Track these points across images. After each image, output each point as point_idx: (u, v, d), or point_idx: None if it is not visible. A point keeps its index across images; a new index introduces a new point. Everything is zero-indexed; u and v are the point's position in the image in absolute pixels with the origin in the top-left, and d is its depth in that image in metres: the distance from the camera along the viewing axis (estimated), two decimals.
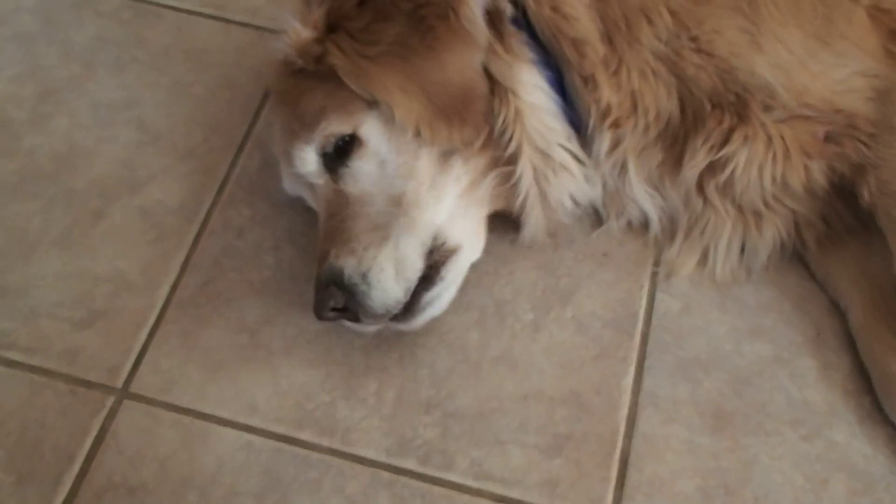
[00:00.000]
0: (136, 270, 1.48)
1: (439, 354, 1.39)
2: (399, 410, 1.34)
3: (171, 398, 1.36)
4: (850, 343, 1.37)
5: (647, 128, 1.32)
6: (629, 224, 1.46)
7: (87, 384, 1.38)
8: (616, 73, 1.29)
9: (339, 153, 1.27)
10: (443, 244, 1.29)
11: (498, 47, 1.28)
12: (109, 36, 1.77)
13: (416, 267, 1.27)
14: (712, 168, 1.32)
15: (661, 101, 1.30)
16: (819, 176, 1.30)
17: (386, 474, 1.29)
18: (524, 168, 1.31)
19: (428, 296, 1.29)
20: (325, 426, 1.33)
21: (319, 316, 1.26)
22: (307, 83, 1.29)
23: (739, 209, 1.36)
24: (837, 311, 1.40)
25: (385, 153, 1.27)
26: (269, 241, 1.51)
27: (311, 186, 1.33)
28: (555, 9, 1.29)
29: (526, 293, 1.44)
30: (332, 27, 1.28)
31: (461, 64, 1.25)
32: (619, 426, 1.32)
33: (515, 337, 1.40)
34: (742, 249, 1.40)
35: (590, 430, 1.31)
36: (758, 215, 1.37)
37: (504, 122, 1.29)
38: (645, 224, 1.45)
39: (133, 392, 1.37)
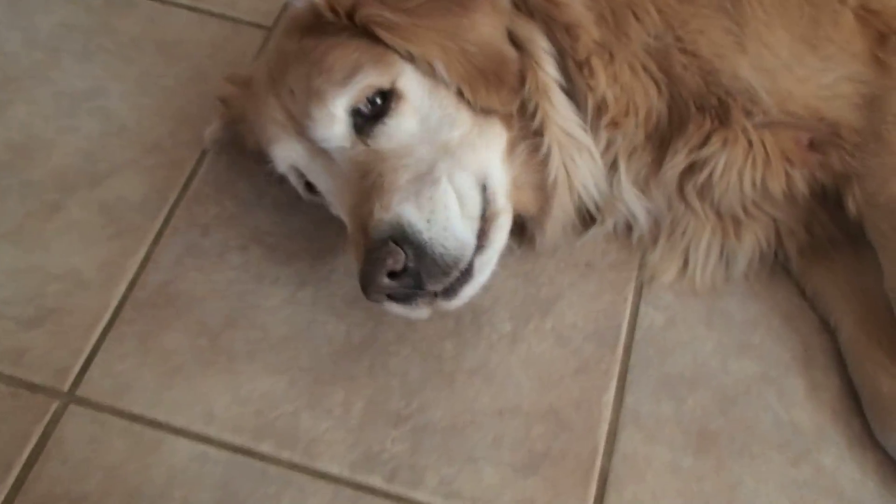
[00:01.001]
0: (92, 267, 1.41)
1: (412, 364, 1.33)
2: (366, 422, 1.28)
3: (123, 404, 1.29)
4: (840, 362, 1.33)
5: (636, 128, 1.29)
6: (614, 229, 1.42)
7: (32, 387, 1.30)
8: (611, 62, 1.25)
9: (373, 111, 1.19)
10: (491, 194, 1.21)
11: (519, 14, 1.25)
12: (77, 23, 1.71)
13: (476, 203, 1.18)
14: (691, 169, 1.29)
15: (652, 99, 1.27)
16: (801, 183, 1.28)
17: (349, 491, 1.22)
18: (552, 141, 1.25)
19: (480, 260, 1.19)
20: (286, 437, 1.27)
21: (372, 285, 1.11)
22: (334, 39, 1.20)
23: (718, 214, 1.34)
24: (827, 328, 1.36)
25: (427, 107, 1.20)
26: (235, 240, 1.45)
27: (326, 153, 1.22)
28: None
29: (505, 302, 1.38)
30: None
31: (491, 25, 1.22)
32: (598, 444, 1.26)
33: (492, 348, 1.35)
34: (721, 255, 1.37)
35: (568, 447, 1.26)
36: (737, 221, 1.34)
37: (529, 92, 1.24)
38: (629, 228, 1.41)
39: (81, 396, 1.29)
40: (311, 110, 1.19)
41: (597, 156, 1.29)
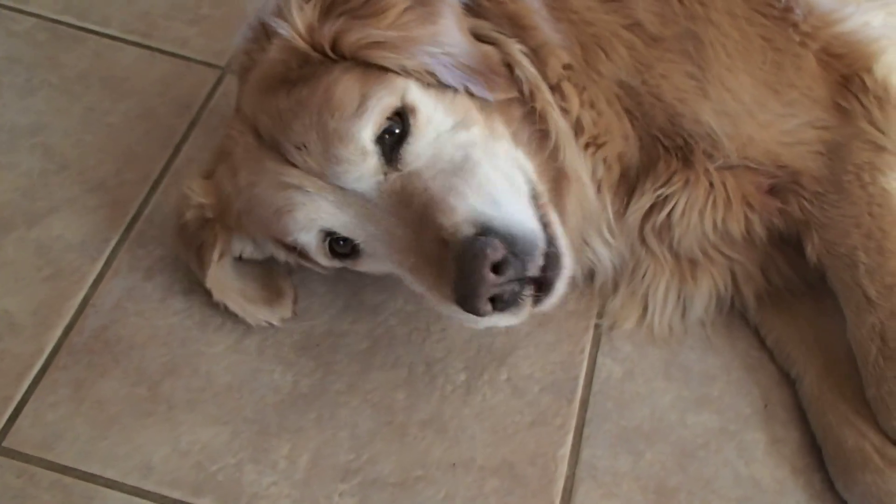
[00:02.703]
0: (26, 311, 1.35)
1: (362, 415, 1.29)
2: (313, 476, 1.23)
3: (53, 455, 1.22)
4: (800, 416, 1.31)
5: (612, 164, 1.27)
6: (573, 279, 1.37)
7: None
8: (584, 90, 1.24)
9: (394, 136, 1.12)
10: (528, 175, 1.18)
11: (477, 18, 1.23)
12: (20, 56, 1.66)
13: (522, 180, 1.15)
14: (651, 210, 1.28)
15: (626, 129, 1.25)
16: (759, 227, 1.28)
17: None
18: (558, 130, 1.21)
19: (560, 244, 1.13)
20: (227, 492, 1.21)
21: (482, 284, 1.02)
22: (327, 78, 1.13)
23: (676, 257, 1.32)
24: (786, 381, 1.34)
25: (441, 115, 1.15)
26: (180, 283, 1.40)
27: (357, 199, 1.12)
28: (512, 20, 1.23)
29: (459, 352, 1.35)
30: (326, 13, 1.16)
31: (460, 28, 1.19)
32: (554, 500, 1.23)
33: (446, 399, 1.31)
34: (679, 301, 1.36)
35: (523, 503, 1.22)
36: (693, 265, 1.33)
37: (523, 79, 1.21)
38: (590, 277, 1.39)
39: (8, 447, 1.23)
40: (338, 153, 1.10)
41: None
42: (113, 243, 1.43)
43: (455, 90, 1.16)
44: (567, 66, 1.23)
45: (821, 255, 1.24)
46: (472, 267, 1.02)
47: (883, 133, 1.21)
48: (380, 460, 1.24)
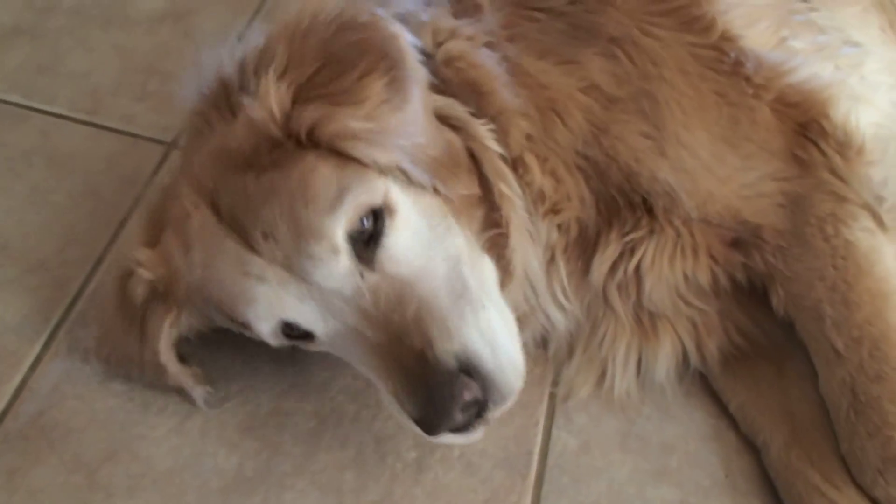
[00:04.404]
0: None
1: (309, 498, 1.24)
2: None
3: None
4: (761, 486, 1.27)
5: (569, 227, 1.25)
6: (525, 345, 1.34)
7: None
8: (546, 161, 1.22)
9: (365, 233, 1.08)
10: None
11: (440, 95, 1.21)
12: None
13: (512, 318, 1.14)
14: (618, 263, 1.25)
15: (584, 196, 1.23)
16: (724, 280, 1.26)
17: None
18: (518, 232, 1.20)
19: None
20: None
21: (448, 421, 1.05)
22: (302, 165, 1.07)
23: (637, 316, 1.29)
24: (745, 450, 1.30)
25: (417, 217, 1.12)
26: None
27: (321, 293, 1.08)
28: (473, 86, 1.21)
29: (409, 428, 1.28)
30: (302, 95, 1.11)
31: (426, 112, 1.16)
32: None
33: (396, 478, 1.26)
34: (639, 364, 1.32)
35: None
36: (654, 322, 1.30)
37: (487, 172, 1.20)
38: (542, 345, 1.35)
39: None
40: (309, 248, 1.05)
41: (541, 251, 1.25)
42: (53, 324, 1.39)
43: (426, 190, 1.14)
44: (529, 137, 1.22)
45: (787, 307, 1.23)
46: (443, 406, 1.04)
47: (844, 183, 1.21)
48: None
